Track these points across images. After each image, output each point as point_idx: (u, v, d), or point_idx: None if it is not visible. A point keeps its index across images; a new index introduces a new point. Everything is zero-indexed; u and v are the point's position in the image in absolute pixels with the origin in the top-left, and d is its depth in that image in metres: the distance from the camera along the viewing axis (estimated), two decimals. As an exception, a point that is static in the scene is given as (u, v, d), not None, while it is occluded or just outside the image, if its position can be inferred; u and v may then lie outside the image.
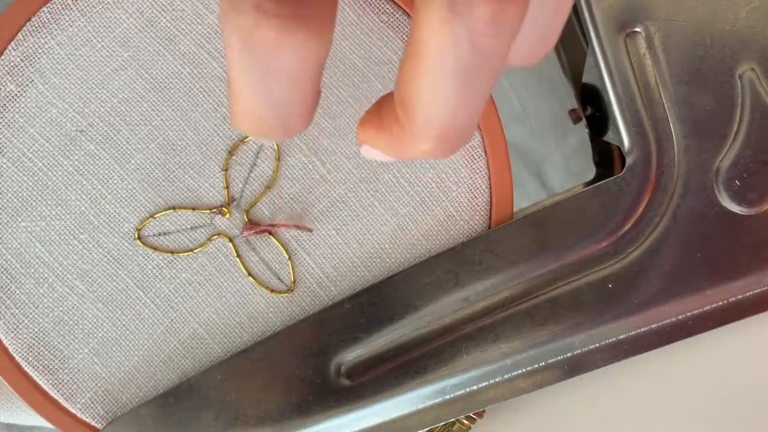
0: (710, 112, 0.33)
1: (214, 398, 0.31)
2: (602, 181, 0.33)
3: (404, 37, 0.32)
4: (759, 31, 0.33)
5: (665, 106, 0.33)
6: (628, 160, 0.33)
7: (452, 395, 0.32)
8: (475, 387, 0.32)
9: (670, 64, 0.33)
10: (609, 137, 0.34)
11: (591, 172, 0.38)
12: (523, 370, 0.32)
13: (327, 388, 0.32)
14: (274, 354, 0.31)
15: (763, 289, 0.33)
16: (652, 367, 0.33)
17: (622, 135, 0.33)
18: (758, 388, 0.34)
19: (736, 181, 0.33)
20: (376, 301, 0.32)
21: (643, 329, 0.33)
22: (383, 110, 0.23)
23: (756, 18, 0.33)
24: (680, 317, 0.33)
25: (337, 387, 0.32)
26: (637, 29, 0.33)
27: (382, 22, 0.32)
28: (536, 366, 0.32)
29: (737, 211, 0.33)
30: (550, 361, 0.32)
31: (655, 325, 0.33)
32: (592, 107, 0.35)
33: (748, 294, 0.33)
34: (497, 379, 0.32)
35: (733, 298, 0.33)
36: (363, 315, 0.32)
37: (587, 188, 0.33)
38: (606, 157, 0.36)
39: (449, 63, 0.19)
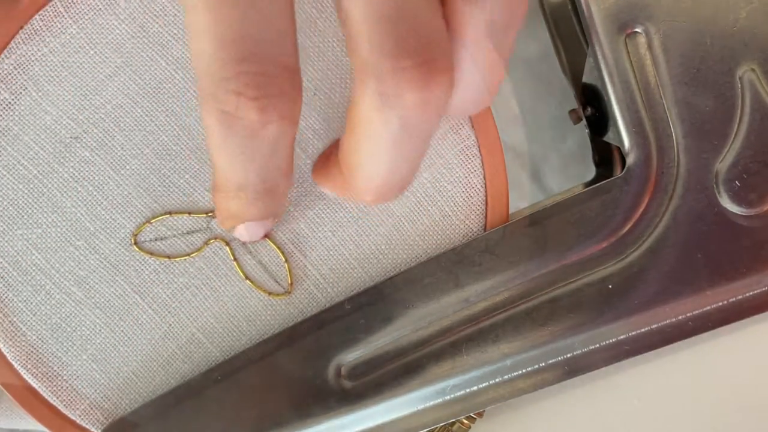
0: (710, 113, 0.33)
1: (213, 400, 0.31)
2: (602, 182, 0.33)
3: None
4: (759, 32, 0.33)
5: (665, 106, 0.33)
6: (628, 161, 0.32)
7: (452, 396, 0.32)
8: (475, 387, 0.32)
9: (670, 64, 0.33)
10: (609, 137, 0.34)
11: (589, 176, 0.38)
12: (523, 370, 0.32)
13: (327, 390, 0.32)
14: (273, 356, 0.31)
15: (763, 289, 0.33)
16: (652, 367, 0.33)
17: (622, 135, 0.33)
18: (758, 388, 0.34)
19: (737, 182, 0.33)
20: (375, 302, 0.32)
21: (643, 330, 0.33)
22: (330, 164, 0.25)
23: (756, 18, 0.33)
24: (680, 317, 0.33)
25: (336, 388, 0.32)
26: (637, 29, 0.33)
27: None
28: (536, 366, 0.32)
29: (737, 212, 0.33)
30: (550, 361, 0.32)
31: (655, 325, 0.33)
32: (592, 107, 0.35)
33: (747, 294, 0.33)
34: (497, 380, 0.32)
35: (733, 299, 0.33)
36: (363, 316, 0.32)
37: (587, 189, 0.33)
38: (606, 157, 0.36)
39: (383, 138, 0.21)
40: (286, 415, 0.31)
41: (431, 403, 0.32)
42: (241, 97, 0.20)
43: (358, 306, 0.32)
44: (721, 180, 0.33)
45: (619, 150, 0.33)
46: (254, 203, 0.25)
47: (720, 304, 0.33)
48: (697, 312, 0.33)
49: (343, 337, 0.32)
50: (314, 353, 0.32)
